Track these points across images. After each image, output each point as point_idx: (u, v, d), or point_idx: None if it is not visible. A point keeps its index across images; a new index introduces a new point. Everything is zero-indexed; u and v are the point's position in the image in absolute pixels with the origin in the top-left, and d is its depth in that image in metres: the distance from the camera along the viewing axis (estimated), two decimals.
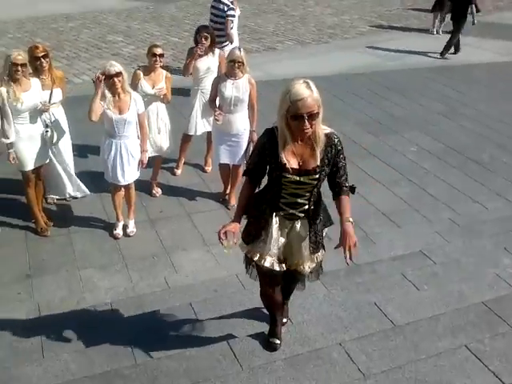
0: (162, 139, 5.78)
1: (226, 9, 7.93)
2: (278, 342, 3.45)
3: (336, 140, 2.97)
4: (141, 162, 5.10)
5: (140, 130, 5.03)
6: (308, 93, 2.73)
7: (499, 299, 3.84)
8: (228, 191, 5.94)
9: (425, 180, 6.53)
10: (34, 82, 4.90)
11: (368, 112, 8.58)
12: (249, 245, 3.20)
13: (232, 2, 8.13)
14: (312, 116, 2.76)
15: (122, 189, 5.23)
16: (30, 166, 5.00)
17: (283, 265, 3.21)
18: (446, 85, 9.93)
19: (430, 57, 11.79)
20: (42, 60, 4.99)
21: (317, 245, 3.19)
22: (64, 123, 5.39)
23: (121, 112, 4.78)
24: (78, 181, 5.66)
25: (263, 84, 8.40)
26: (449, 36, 11.94)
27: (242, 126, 5.47)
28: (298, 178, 2.93)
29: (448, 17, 13.57)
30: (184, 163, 6.59)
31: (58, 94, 5.19)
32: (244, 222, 3.23)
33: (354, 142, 7.46)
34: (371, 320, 3.64)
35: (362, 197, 6.11)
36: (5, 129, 4.77)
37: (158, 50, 5.48)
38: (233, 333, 3.57)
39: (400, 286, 4.22)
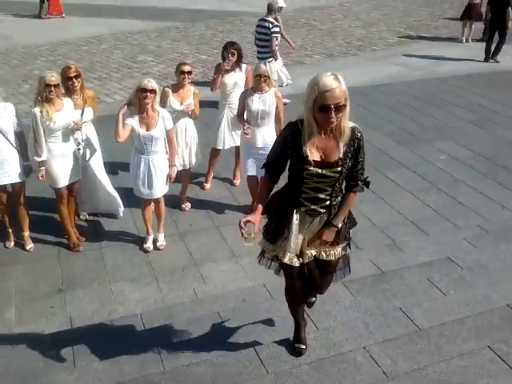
0: (190, 154, 5.92)
1: (270, 26, 8.48)
2: (303, 346, 3.48)
3: (359, 134, 2.99)
4: (169, 176, 5.21)
5: (169, 146, 5.15)
6: (336, 84, 2.76)
7: None
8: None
9: (454, 188, 6.49)
10: (67, 101, 5.09)
11: (397, 122, 8.56)
12: (272, 244, 3.23)
13: (276, 19, 8.62)
14: (339, 108, 2.79)
15: (152, 203, 5.35)
16: (62, 183, 5.17)
17: (301, 259, 3.22)
18: (477, 93, 9.81)
19: (460, 64, 11.70)
20: (74, 80, 5.18)
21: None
22: (95, 141, 5.56)
23: (148, 129, 4.92)
24: (116, 196, 5.72)
25: (291, 97, 8.52)
26: (479, 43, 11.85)
27: (269, 138, 5.54)
28: (320, 171, 2.94)
29: (476, 25, 13.53)
30: (213, 177, 6.69)
31: (89, 114, 5.36)
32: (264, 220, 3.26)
33: (383, 152, 7.48)
34: (397, 325, 3.64)
35: (390, 206, 6.14)
36: (37, 147, 4.96)
37: (186, 68, 5.63)
38: (259, 340, 3.62)
39: (426, 292, 4.20)
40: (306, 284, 3.42)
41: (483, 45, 12.26)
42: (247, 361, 3.38)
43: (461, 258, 4.86)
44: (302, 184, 3.01)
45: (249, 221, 3.03)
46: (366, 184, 3.17)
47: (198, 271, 5.09)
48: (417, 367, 3.07)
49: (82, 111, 5.26)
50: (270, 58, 8.52)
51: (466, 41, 13.67)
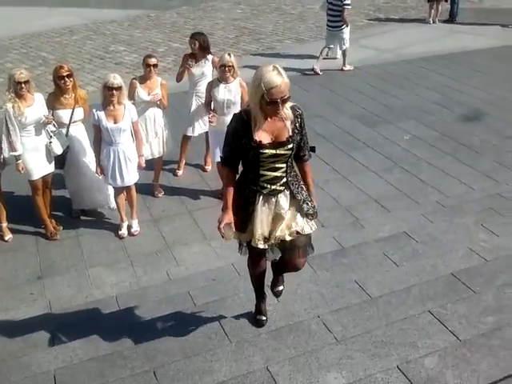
0: (159, 143, 6.14)
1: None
2: (263, 318, 3.72)
3: (300, 111, 3.21)
4: (138, 165, 5.43)
5: (135, 136, 5.38)
6: (280, 80, 2.93)
7: (467, 269, 4.11)
8: None
9: (416, 167, 6.75)
10: (38, 96, 5.26)
11: (364, 105, 8.76)
12: (245, 232, 3.33)
13: None
14: (285, 100, 3.00)
15: (124, 191, 5.58)
16: (37, 175, 5.37)
17: (269, 242, 3.32)
18: (442, 74, 10.05)
19: (427, 46, 11.87)
20: (66, 79, 5.31)
21: (312, 210, 3.34)
22: (85, 140, 5.68)
23: (116, 121, 5.13)
24: (107, 192, 5.84)
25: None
26: (446, 24, 12.09)
27: None
28: (274, 151, 3.13)
29: (442, 5, 13.79)
30: (185, 164, 6.91)
31: (79, 113, 5.50)
32: None
33: (349, 133, 7.73)
34: (350, 295, 3.93)
35: (354, 185, 6.42)
36: (12, 142, 5.14)
37: (152, 61, 5.83)
38: (225, 314, 3.88)
39: (381, 264, 4.49)
40: (277, 264, 3.61)
41: (451, 26, 12.52)
42: (213, 333, 3.65)
43: (416, 232, 5.13)
44: (259, 167, 3.18)
45: (227, 224, 3.20)
46: (312, 150, 3.41)
47: (171, 254, 5.35)
48: (364, 331, 3.38)
49: (73, 110, 5.41)
50: (342, 26, 10.27)
51: (434, 22, 13.88)
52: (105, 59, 11.94)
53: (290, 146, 3.16)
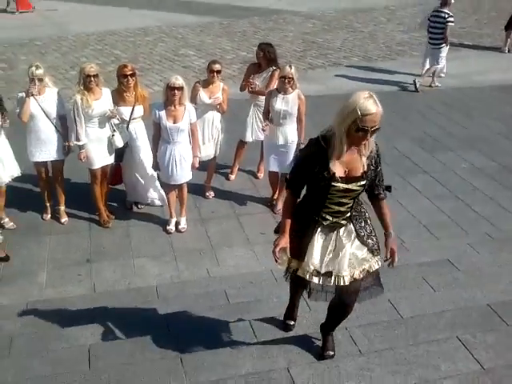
0: (214, 145, 6.35)
1: (446, 16, 10.28)
2: (292, 322, 3.75)
3: (377, 147, 3.10)
4: (192, 165, 5.65)
5: (192, 137, 5.61)
6: (376, 108, 2.84)
7: (505, 303, 4.04)
8: (275, 196, 6.38)
9: (471, 197, 6.65)
10: (105, 91, 5.59)
11: (426, 129, 8.69)
12: (298, 260, 3.21)
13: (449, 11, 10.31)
14: (375, 130, 2.90)
15: (176, 189, 5.80)
16: (97, 164, 5.68)
17: (327, 278, 3.17)
18: (510, 104, 9.79)
19: (499, 75, 11.58)
20: (129, 78, 5.60)
21: (377, 245, 3.22)
22: (144, 136, 5.94)
23: (175, 121, 5.38)
24: (160, 190, 6.11)
25: (320, 98, 8.83)
26: None
27: (291, 137, 5.89)
28: (346, 186, 2.98)
29: None
30: (238, 169, 7.09)
31: (139, 111, 5.78)
32: None
33: (407, 157, 7.67)
34: (382, 313, 3.96)
35: (405, 208, 6.37)
36: (77, 132, 5.48)
37: (216, 67, 6.07)
38: (257, 315, 4.01)
39: (418, 288, 4.48)
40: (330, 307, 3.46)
41: None
42: (242, 331, 3.78)
43: (460, 261, 5.09)
44: (326, 199, 3.04)
45: (283, 248, 3.12)
46: (388, 189, 3.26)
47: (214, 254, 5.51)
48: (388, 348, 3.40)
49: (133, 108, 5.70)
50: (442, 44, 10.45)
51: (509, 51, 13.55)
52: (174, 62, 12.39)
53: (363, 182, 3.03)
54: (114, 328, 3.97)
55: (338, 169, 2.95)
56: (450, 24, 10.30)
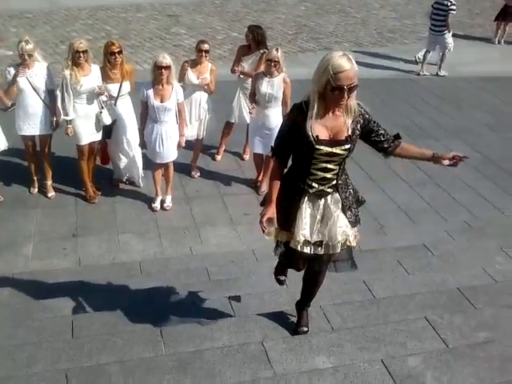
0: (200, 125, 6.42)
1: (449, 4, 10.67)
2: (284, 278, 3.68)
3: (363, 110, 3.02)
4: (179, 144, 5.74)
5: (179, 117, 5.68)
6: (349, 65, 2.75)
7: (474, 287, 4.22)
8: (260, 178, 6.49)
9: (452, 185, 6.77)
10: (94, 67, 5.63)
11: (412, 118, 8.77)
12: (290, 232, 3.17)
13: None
14: (351, 88, 2.79)
15: (162, 167, 5.90)
16: (84, 140, 5.75)
17: (318, 247, 3.17)
18: (499, 97, 9.87)
19: (488, 66, 11.67)
20: (117, 55, 5.63)
21: (354, 218, 3.20)
22: (131, 113, 5.98)
23: (162, 100, 5.45)
24: (140, 171, 6.19)
25: (307, 82, 8.88)
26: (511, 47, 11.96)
27: (275, 120, 5.97)
28: (329, 150, 2.94)
29: (510, 26, 13.52)
30: (224, 150, 7.18)
31: (126, 87, 5.84)
32: None
33: None
34: (356, 293, 4.12)
35: (386, 194, 6.52)
36: (65, 107, 5.53)
37: (205, 47, 6.11)
38: (236, 292, 4.16)
39: (393, 270, 4.64)
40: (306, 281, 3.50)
41: None
42: (220, 306, 3.93)
43: (436, 246, 5.23)
44: (311, 165, 3.01)
45: (270, 218, 3.05)
46: (398, 136, 3.20)
47: (197, 232, 5.63)
48: (359, 326, 3.57)
49: (120, 85, 5.75)
50: (444, 30, 10.79)
51: (499, 42, 13.63)
52: (165, 40, 12.37)
53: (348, 146, 2.97)
54: (98, 300, 4.10)
55: (321, 132, 2.92)
56: (451, 12, 10.65)
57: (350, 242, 3.21)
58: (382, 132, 3.13)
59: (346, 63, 2.76)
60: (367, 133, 3.07)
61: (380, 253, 5.12)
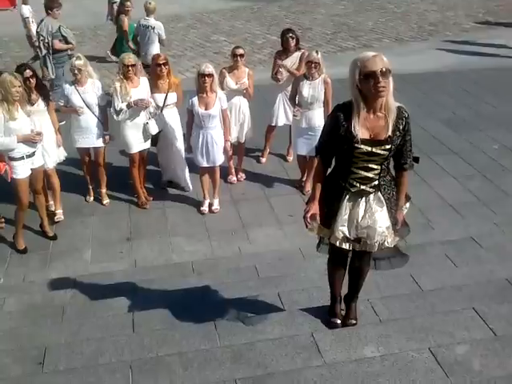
0: (242, 129, 6.61)
1: None
2: (338, 321, 3.65)
3: (406, 114, 3.07)
4: (224, 149, 5.96)
5: (223, 123, 5.91)
6: (375, 54, 2.88)
7: None
8: (304, 179, 6.62)
9: (500, 177, 6.69)
10: (143, 80, 5.94)
11: (455, 110, 8.70)
12: (328, 229, 3.26)
13: None
14: (384, 73, 2.83)
15: (209, 171, 6.12)
16: (135, 149, 6.05)
17: (356, 244, 3.26)
18: None
19: None
20: (162, 67, 5.95)
21: (395, 220, 3.25)
22: (177, 122, 6.26)
23: (207, 108, 5.69)
24: (187, 176, 6.46)
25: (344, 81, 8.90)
26: None
27: (318, 121, 6.07)
28: (369, 149, 2.99)
29: None
30: (269, 153, 7.33)
31: (172, 97, 6.10)
32: None
33: (436, 138, 7.70)
34: (403, 286, 4.19)
35: (432, 188, 6.50)
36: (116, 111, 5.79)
37: (239, 51, 6.33)
38: (284, 288, 4.31)
39: (440, 264, 4.67)
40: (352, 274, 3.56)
41: None
42: (271, 301, 4.07)
43: (484, 239, 5.18)
44: (352, 164, 3.07)
45: (313, 215, 3.19)
46: (416, 160, 3.23)
47: (245, 233, 5.83)
48: (407, 317, 3.64)
49: (166, 95, 6.03)
50: None
51: None
52: (205, 48, 12.66)
53: (388, 146, 3.02)
54: (154, 298, 4.35)
55: (362, 131, 2.97)
56: None
57: (388, 243, 3.27)
58: (410, 149, 3.18)
59: (370, 53, 2.90)
60: (403, 141, 3.11)
61: (427, 247, 5.14)
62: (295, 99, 6.19)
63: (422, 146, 7.33)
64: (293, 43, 6.58)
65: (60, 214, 6.09)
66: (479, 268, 4.56)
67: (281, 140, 7.25)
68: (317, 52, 6.00)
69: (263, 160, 7.28)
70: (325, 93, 6.04)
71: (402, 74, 9.98)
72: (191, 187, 6.54)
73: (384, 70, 2.84)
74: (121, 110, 5.74)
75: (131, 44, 8.94)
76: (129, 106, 5.72)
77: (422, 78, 10.10)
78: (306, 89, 6.03)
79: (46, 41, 8.21)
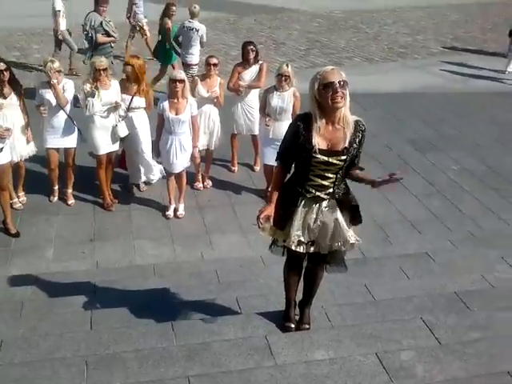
0: (211, 137, 6.73)
1: None
2: (292, 325, 3.78)
3: (363, 127, 3.22)
4: (192, 155, 6.06)
5: (192, 129, 6.02)
6: (333, 68, 3.11)
7: (472, 292, 4.39)
8: (270, 188, 6.73)
9: (458, 197, 6.95)
10: (114, 83, 6.00)
11: (420, 131, 8.95)
12: (282, 231, 3.40)
13: None
14: (342, 85, 3.01)
15: (175, 177, 6.20)
16: (102, 151, 6.10)
17: (310, 247, 3.40)
18: (509, 110, 9.94)
19: (497, 81, 11.83)
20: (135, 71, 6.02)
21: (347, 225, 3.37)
22: (146, 125, 6.31)
23: (177, 113, 5.78)
24: (157, 165, 6.51)
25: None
26: None
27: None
28: (326, 159, 3.15)
29: None
30: (238, 163, 7.42)
31: (138, 101, 6.15)
32: None
33: (400, 157, 7.91)
34: (357, 296, 4.35)
35: (393, 205, 6.72)
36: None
37: (213, 60, 6.49)
38: (243, 293, 4.42)
39: (394, 276, 4.84)
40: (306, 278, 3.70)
41: None
42: (228, 304, 4.18)
43: (438, 254, 5.39)
44: (309, 171, 3.22)
45: (267, 216, 3.31)
46: (361, 169, 3.39)
47: (208, 239, 5.92)
48: (358, 324, 3.79)
49: (132, 97, 6.09)
50: None
51: None
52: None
53: (344, 157, 3.17)
54: (114, 298, 4.40)
55: (320, 141, 3.14)
56: None
57: (338, 246, 3.42)
58: (359, 158, 3.35)
59: (330, 67, 3.12)
60: (357, 152, 3.26)
61: (383, 260, 5.34)
62: (265, 110, 6.34)
63: (386, 163, 7.61)
64: (252, 55, 6.77)
65: (23, 197, 6.20)
66: (431, 281, 4.75)
67: (248, 150, 7.38)
68: (287, 65, 6.18)
69: (234, 169, 7.38)
70: (293, 105, 6.21)
71: (370, 94, 10.37)
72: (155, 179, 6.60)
73: (342, 81, 3.02)
74: (88, 102, 5.77)
75: (174, 45, 9.30)
76: (92, 93, 5.74)
77: (390, 97, 10.40)
78: (276, 100, 6.19)
79: (90, 34, 8.56)
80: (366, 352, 3.39)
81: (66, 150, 6.15)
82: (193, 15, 8.97)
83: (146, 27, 11.55)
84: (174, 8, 9.52)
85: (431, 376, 3.24)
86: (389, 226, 6.30)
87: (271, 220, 3.37)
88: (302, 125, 3.20)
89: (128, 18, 11.76)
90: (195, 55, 9.11)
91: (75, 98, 5.98)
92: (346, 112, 3.14)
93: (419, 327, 3.68)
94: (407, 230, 6.25)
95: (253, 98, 6.90)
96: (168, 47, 9.48)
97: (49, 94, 5.77)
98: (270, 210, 3.34)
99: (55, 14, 10.28)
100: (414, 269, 5.06)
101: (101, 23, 8.53)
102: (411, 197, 6.96)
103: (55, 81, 5.66)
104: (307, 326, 3.79)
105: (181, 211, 6.34)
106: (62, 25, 10.33)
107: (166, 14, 9.52)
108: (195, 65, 9.09)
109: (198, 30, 8.93)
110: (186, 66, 8.90)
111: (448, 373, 3.26)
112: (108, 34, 8.64)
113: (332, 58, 13.17)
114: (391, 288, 4.55)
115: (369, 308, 4.05)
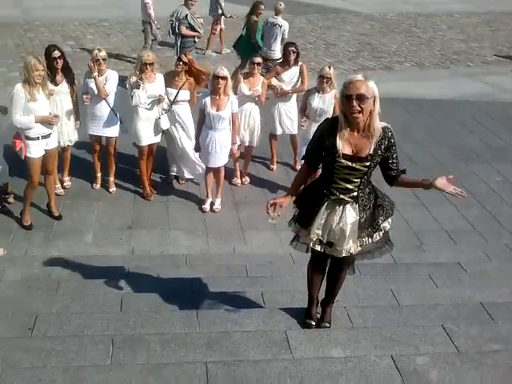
0: (251, 134, 6.84)
1: None
2: (313, 323, 3.85)
3: (390, 134, 3.26)
4: (231, 151, 6.20)
5: (232, 126, 6.15)
6: (359, 78, 3.10)
7: (499, 304, 4.33)
8: None
9: (498, 208, 6.84)
10: (159, 77, 6.19)
11: (466, 140, 8.81)
12: (305, 229, 3.49)
13: None
14: (361, 98, 3.06)
15: (214, 172, 6.35)
16: (144, 142, 6.31)
17: (327, 248, 3.48)
18: None
19: None
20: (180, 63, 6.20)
21: (366, 230, 3.45)
22: (189, 119, 6.46)
23: (218, 109, 5.92)
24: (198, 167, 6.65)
25: None
26: None
27: None
28: (350, 164, 3.23)
29: None
30: (277, 162, 7.49)
31: (184, 95, 6.31)
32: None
33: (442, 165, 7.77)
34: (382, 299, 4.37)
35: (430, 213, 6.67)
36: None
37: (257, 59, 6.61)
38: (269, 288, 4.52)
39: (422, 283, 4.82)
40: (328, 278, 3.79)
41: None
42: (253, 298, 4.30)
43: (471, 265, 5.34)
44: (334, 174, 3.31)
45: (275, 204, 3.43)
46: (403, 172, 3.38)
47: (242, 234, 6.06)
48: (378, 326, 3.81)
49: (178, 90, 6.26)
50: None
51: None
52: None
53: (368, 163, 3.24)
54: (145, 283, 4.60)
55: (345, 147, 3.21)
56: None
57: (352, 251, 3.48)
58: (396, 161, 3.36)
59: (357, 76, 3.13)
60: (386, 156, 3.31)
61: (413, 267, 5.33)
62: (305, 111, 6.42)
63: (429, 172, 7.49)
64: (293, 56, 6.84)
65: (68, 181, 6.48)
66: (459, 291, 4.71)
67: (288, 149, 7.46)
68: (329, 67, 6.23)
69: (273, 167, 7.46)
70: (334, 107, 6.24)
71: (418, 99, 10.27)
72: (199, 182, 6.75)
73: (360, 95, 3.06)
74: (133, 93, 5.95)
75: (258, 40, 9.66)
76: (138, 85, 5.90)
77: (438, 104, 10.25)
78: (316, 101, 6.25)
79: (174, 25, 9.05)
80: (382, 354, 3.43)
81: (108, 138, 6.39)
82: (278, 12, 9.43)
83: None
84: (262, 7, 9.82)
85: (445, 382, 3.25)
86: (424, 234, 6.27)
87: (280, 208, 3.44)
88: (328, 128, 3.28)
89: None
90: (277, 51, 9.30)
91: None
92: (371, 120, 3.18)
93: (439, 334, 3.69)
94: (442, 239, 6.20)
95: (292, 99, 7.01)
96: (251, 42, 9.75)
97: (92, 84, 6.03)
98: (284, 201, 3.46)
99: (145, 6, 10.66)
100: (444, 278, 5.03)
101: (186, 16, 8.84)
102: (450, 206, 6.85)
103: (96, 74, 5.89)
104: (327, 325, 3.86)
105: (217, 205, 6.48)
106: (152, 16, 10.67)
107: (254, 11, 9.83)
108: (278, 59, 9.05)
109: (281, 26, 9.28)
110: (270, 61, 8.98)
111: (462, 381, 3.26)
112: (192, 29, 8.89)
113: (382, 61, 13.04)
114: (418, 295, 4.54)
115: (391, 312, 4.07)
